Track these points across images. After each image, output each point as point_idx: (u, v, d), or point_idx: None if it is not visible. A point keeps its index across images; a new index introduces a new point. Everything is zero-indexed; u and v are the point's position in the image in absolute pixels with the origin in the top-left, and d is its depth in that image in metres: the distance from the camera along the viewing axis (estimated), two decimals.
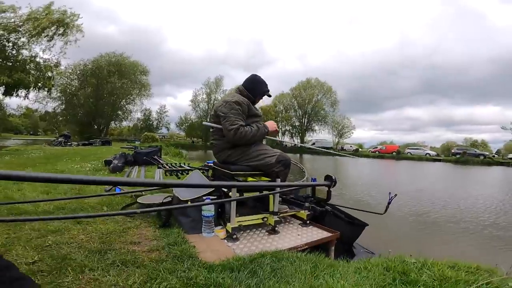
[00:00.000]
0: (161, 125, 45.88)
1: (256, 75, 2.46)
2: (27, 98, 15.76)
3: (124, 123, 41.81)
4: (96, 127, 35.15)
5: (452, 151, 33.34)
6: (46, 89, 15.94)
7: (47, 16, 14.46)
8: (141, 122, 43.42)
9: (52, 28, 15.05)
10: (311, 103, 45.10)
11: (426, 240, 4.16)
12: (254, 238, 2.05)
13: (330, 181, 2.23)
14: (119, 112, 37.60)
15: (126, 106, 37.92)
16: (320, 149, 5.65)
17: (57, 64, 16.44)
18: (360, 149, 42.92)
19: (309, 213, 2.43)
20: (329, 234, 2.19)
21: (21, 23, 13.86)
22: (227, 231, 2.03)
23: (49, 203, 2.64)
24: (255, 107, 2.40)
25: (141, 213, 1.67)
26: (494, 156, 32.63)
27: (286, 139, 47.14)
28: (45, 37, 14.95)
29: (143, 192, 2.97)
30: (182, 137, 49.00)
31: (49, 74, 15.64)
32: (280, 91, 47.84)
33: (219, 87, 45.42)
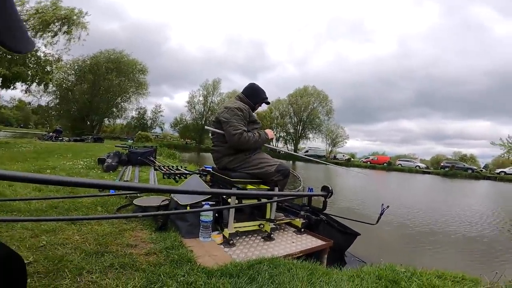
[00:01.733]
0: (155, 124, 45.57)
1: (254, 83, 2.53)
2: (29, 91, 15.66)
3: (118, 121, 41.38)
4: (89, 123, 34.63)
5: (441, 164, 34.00)
6: (44, 83, 15.79)
7: (54, 12, 14.42)
8: (135, 121, 43.02)
9: (57, 24, 15.02)
10: (306, 110, 45.45)
11: (414, 250, 4.29)
12: (250, 244, 2.07)
13: (327, 191, 2.30)
14: (114, 109, 37.18)
15: (122, 103, 37.54)
16: (310, 158, 5.71)
17: (59, 60, 16.36)
18: (352, 159, 43.40)
19: (304, 221, 2.47)
20: (323, 243, 2.23)
21: (26, 18, 13.79)
22: (224, 236, 2.05)
23: (42, 201, 2.61)
24: (254, 114, 2.45)
25: (142, 217, 1.67)
26: (482, 170, 33.42)
27: (280, 145, 47.28)
28: (49, 32, 14.91)
29: (138, 194, 2.97)
30: (176, 138, 48.64)
31: (48, 68, 15.51)
32: (277, 97, 48.15)
33: (216, 89, 45.49)
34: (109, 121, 39.99)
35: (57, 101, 32.97)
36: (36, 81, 15.32)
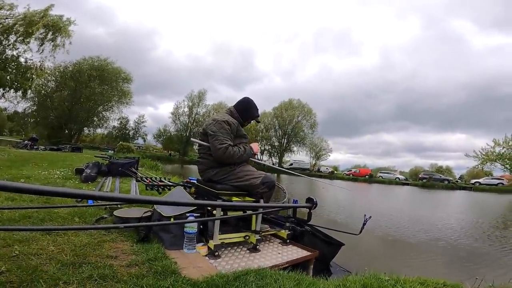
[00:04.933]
0: (137, 135, 44.58)
1: (248, 98, 2.53)
2: (3, 97, 14.98)
3: (99, 130, 40.11)
4: (67, 132, 33.28)
5: (419, 176, 35.32)
6: (22, 89, 15.18)
7: (42, 19, 14.12)
8: (117, 131, 41.89)
9: (42, 31, 14.67)
10: (291, 123, 46.15)
11: (397, 258, 4.42)
12: (236, 256, 2.04)
13: (311, 203, 2.34)
14: (95, 118, 36.04)
15: (103, 112, 36.46)
16: (294, 173, 5.77)
17: (41, 67, 15.87)
18: (335, 172, 44.16)
19: (289, 232, 2.47)
20: (308, 253, 2.24)
21: (13, 22, 13.42)
22: (209, 248, 2.00)
23: (14, 211, 2.46)
24: (241, 129, 2.46)
25: (124, 228, 1.61)
26: (457, 181, 35.03)
27: (265, 158, 47.45)
28: (35, 39, 14.54)
29: (118, 205, 2.87)
30: (159, 149, 47.70)
31: (29, 75, 14.99)
32: (263, 109, 48.69)
33: (202, 100, 45.41)
34: (89, 131, 38.74)
35: (35, 108, 31.58)
36: (14, 86, 14.72)
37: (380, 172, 38.20)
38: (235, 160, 2.21)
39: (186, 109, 45.47)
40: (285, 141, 47.32)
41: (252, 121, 2.67)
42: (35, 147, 15.89)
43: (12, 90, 15.43)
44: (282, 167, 33.27)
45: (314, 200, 2.33)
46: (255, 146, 2.44)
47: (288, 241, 2.43)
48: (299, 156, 48.11)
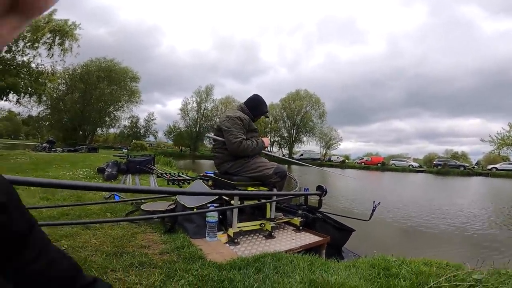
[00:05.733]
0: (148, 133, 45.40)
1: (257, 95, 2.71)
2: (19, 103, 15.56)
3: (111, 130, 41.14)
4: (81, 133, 34.34)
5: (434, 162, 34.71)
6: (36, 94, 15.75)
7: (47, 25, 14.51)
8: (128, 130, 42.81)
9: (48, 36, 15.07)
10: (300, 114, 45.94)
11: (406, 243, 4.54)
12: (253, 242, 2.24)
13: (321, 190, 2.52)
14: (107, 119, 36.99)
15: (114, 112, 37.37)
16: (303, 163, 5.92)
17: (53, 72, 16.38)
18: (346, 160, 43.91)
19: (302, 219, 2.65)
20: (320, 239, 2.42)
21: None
22: (228, 235, 2.21)
23: (52, 210, 2.73)
24: (253, 124, 2.64)
25: (157, 218, 1.83)
26: (474, 167, 34.22)
27: (275, 150, 47.58)
28: (43, 44, 14.95)
29: (143, 200, 3.11)
30: (170, 145, 48.48)
31: (41, 80, 15.50)
32: (270, 101, 48.57)
33: (209, 96, 45.61)
34: (102, 131, 39.77)
35: (48, 111, 32.65)
36: (29, 92, 15.29)
37: (393, 160, 37.77)
38: (249, 153, 2.41)
39: (194, 105, 45.88)
40: (294, 132, 47.24)
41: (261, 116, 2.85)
42: (53, 149, 16.55)
43: (27, 96, 16.01)
44: (293, 158, 33.38)
45: (324, 187, 2.51)
46: (266, 140, 2.64)
47: (301, 228, 2.61)
48: (309, 146, 48.07)
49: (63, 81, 32.44)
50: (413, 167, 34.32)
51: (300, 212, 2.71)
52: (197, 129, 44.09)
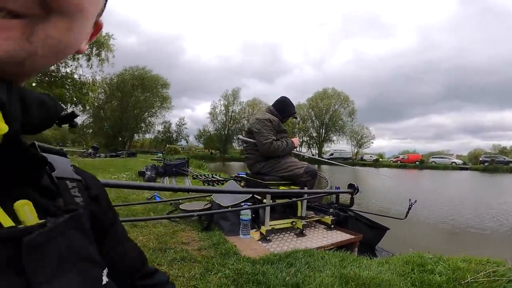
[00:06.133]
0: (180, 137, 47.29)
1: (285, 97, 2.80)
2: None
3: (147, 136, 43.58)
4: (120, 139, 36.86)
5: (480, 159, 31.96)
6: (81, 104, 17.22)
7: None
8: (162, 134, 44.99)
9: (87, 47, 16.51)
10: (328, 113, 44.93)
11: (447, 243, 4.28)
12: (285, 240, 2.32)
13: (353, 188, 2.53)
14: (142, 125, 39.29)
15: (149, 118, 39.60)
16: (334, 162, 5.86)
17: (94, 82, 17.80)
18: (380, 159, 42.00)
19: (333, 218, 2.67)
20: (352, 237, 2.43)
21: None
22: (261, 233, 2.32)
23: None
24: (282, 125, 2.72)
25: (196, 216, 2.01)
26: None
27: (304, 150, 46.95)
28: (82, 55, 16.34)
29: (180, 201, 3.34)
30: (201, 149, 50.06)
31: (84, 90, 16.92)
32: (297, 101, 48.04)
33: (236, 98, 46.32)
34: (138, 137, 42.29)
35: (91, 119, 35.50)
36: (74, 102, 16.79)
37: (433, 157, 35.37)
38: (279, 153, 2.50)
39: (222, 108, 46.84)
40: (323, 131, 46.29)
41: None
42: (97, 155, 18.03)
43: (72, 105, 17.57)
44: (322, 158, 32.70)
45: (356, 185, 2.51)
46: (296, 140, 2.71)
47: (332, 226, 2.64)
48: (340, 145, 46.78)
49: (102, 90, 35.07)
50: (456, 164, 31.81)
51: (331, 210, 2.73)
52: (226, 132, 45.03)
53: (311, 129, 47.48)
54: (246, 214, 2.27)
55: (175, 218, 2.63)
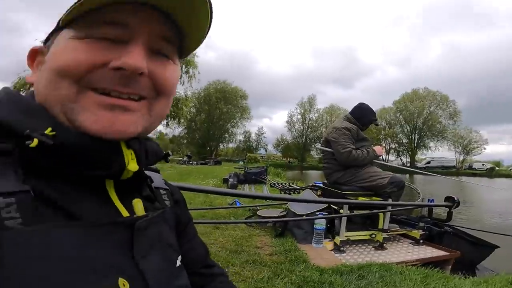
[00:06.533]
0: (259, 146, 49.33)
1: (363, 103, 2.68)
2: (167, 125, 20.27)
3: (230, 145, 47.30)
4: (208, 148, 41.10)
5: None
6: (177, 117, 20.12)
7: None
8: (242, 144, 47.92)
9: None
10: (421, 116, 39.30)
11: None
12: (361, 252, 2.21)
13: (452, 202, 2.21)
14: (226, 135, 42.88)
15: (231, 129, 42.94)
16: (423, 172, 5.11)
17: (187, 98, 20.59)
18: (497, 167, 33.95)
19: (423, 232, 2.39)
20: (446, 253, 2.14)
21: None
22: (335, 243, 2.27)
23: (192, 211, 3.53)
24: (362, 133, 2.60)
25: (271, 222, 2.17)
26: None
27: (392, 158, 42.14)
28: None
29: (258, 207, 3.55)
30: (279, 157, 50.95)
31: (179, 105, 19.74)
32: (381, 105, 43.83)
33: (312, 106, 45.52)
34: (222, 146, 46.28)
35: (186, 131, 40.78)
36: (173, 116, 19.71)
37: None
38: (359, 162, 2.40)
39: (299, 117, 46.69)
40: (416, 136, 40.58)
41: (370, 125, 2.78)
42: (190, 162, 20.67)
43: (171, 119, 20.61)
44: (416, 167, 28.66)
45: (456, 198, 2.20)
46: (378, 149, 2.55)
47: (421, 241, 2.36)
48: (439, 152, 40.10)
49: (193, 104, 39.91)
50: None
51: (421, 224, 2.46)
52: (304, 140, 44.59)
53: (400, 134, 42.35)
54: (320, 224, 2.26)
55: (252, 223, 2.82)
